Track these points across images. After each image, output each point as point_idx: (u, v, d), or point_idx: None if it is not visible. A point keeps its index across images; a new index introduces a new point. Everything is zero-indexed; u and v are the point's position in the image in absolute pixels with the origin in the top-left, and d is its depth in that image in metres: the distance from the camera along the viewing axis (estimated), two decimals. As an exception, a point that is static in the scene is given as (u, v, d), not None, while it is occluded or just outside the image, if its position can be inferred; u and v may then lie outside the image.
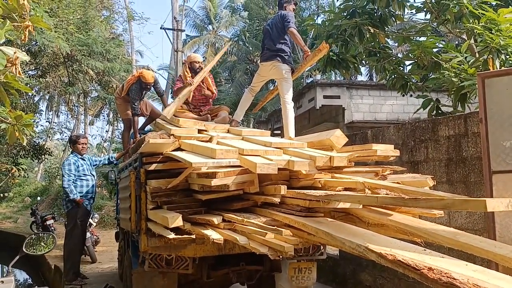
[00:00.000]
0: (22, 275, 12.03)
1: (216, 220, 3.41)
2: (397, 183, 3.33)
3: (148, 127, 7.22)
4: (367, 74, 25.98)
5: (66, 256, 6.08)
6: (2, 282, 1.68)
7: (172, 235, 3.39)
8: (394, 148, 4.06)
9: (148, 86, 6.44)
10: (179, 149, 4.08)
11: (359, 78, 22.19)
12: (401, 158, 5.24)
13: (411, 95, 8.12)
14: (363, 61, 8.20)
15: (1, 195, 20.91)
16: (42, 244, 2.54)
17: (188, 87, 5.81)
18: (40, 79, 14.61)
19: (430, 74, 7.20)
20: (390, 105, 12.45)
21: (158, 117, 6.04)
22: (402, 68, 8.12)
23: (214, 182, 3.39)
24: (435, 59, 6.50)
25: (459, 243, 2.18)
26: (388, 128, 5.92)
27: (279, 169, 3.41)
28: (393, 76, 7.53)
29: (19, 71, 2.73)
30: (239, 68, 24.56)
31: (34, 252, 2.42)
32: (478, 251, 2.07)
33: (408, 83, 7.44)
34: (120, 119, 9.20)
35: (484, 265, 2.05)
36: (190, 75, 5.99)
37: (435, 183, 3.59)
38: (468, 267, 1.92)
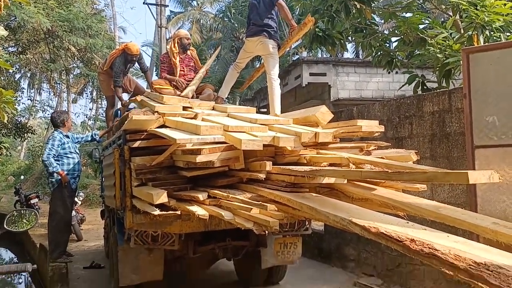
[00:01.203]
0: (7, 254, 11.97)
1: (201, 196, 3.40)
2: (381, 158, 3.35)
3: (132, 105, 7.12)
4: (353, 52, 25.94)
5: (51, 235, 6.03)
6: None
7: (157, 212, 3.38)
8: (379, 124, 4.08)
9: (134, 59, 6.34)
10: (163, 126, 4.03)
11: (346, 55, 22.15)
12: (386, 134, 5.27)
13: (396, 72, 8.15)
14: (349, 38, 8.16)
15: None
16: (24, 221, 2.50)
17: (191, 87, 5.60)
18: (21, 55, 14.26)
19: (416, 51, 7.20)
20: (376, 82, 12.47)
21: (142, 93, 5.97)
22: (388, 45, 8.11)
23: (199, 158, 3.37)
24: (421, 35, 6.50)
25: (441, 215, 2.21)
26: (374, 104, 5.94)
27: (264, 145, 3.40)
28: (379, 53, 7.52)
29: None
30: (224, 45, 24.21)
31: (16, 229, 2.38)
32: (459, 223, 2.10)
33: (394, 60, 7.44)
34: (104, 96, 9.07)
35: (466, 238, 2.09)
36: (178, 51, 5.88)
37: (419, 158, 3.63)
38: (450, 239, 1.95)
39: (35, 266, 1.95)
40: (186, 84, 5.69)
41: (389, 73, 7.95)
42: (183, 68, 5.88)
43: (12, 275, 9.18)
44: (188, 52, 6.02)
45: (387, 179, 2.67)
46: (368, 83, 12.49)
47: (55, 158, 6.00)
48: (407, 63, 7.56)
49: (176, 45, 5.88)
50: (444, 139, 4.75)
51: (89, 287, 5.97)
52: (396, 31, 7.14)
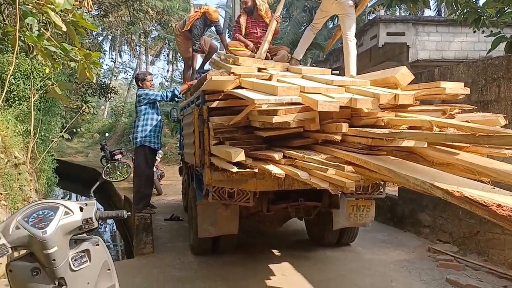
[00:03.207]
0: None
1: (277, 156, 3.46)
2: (466, 121, 3.20)
3: (207, 66, 7.30)
4: (434, 9, 24.22)
5: (137, 188, 6.42)
6: (86, 204, 1.86)
7: (235, 169, 3.49)
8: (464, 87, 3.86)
9: (213, 24, 6.53)
10: (239, 87, 4.11)
11: (426, 13, 20.80)
12: (470, 98, 4.99)
13: (483, 31, 7.55)
14: (433, -6, 7.65)
15: (73, 130, 22.33)
16: (118, 172, 2.73)
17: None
18: (104, 18, 15.00)
19: (507, 8, 6.60)
20: (459, 42, 11.65)
21: (215, 51, 6.16)
22: (475, 1, 7.50)
23: (275, 119, 3.41)
24: (515, -11, 5.94)
25: (531, 182, 2.10)
26: (457, 66, 5.61)
27: (340, 107, 3.36)
28: (465, 10, 6.98)
29: (90, 5, 2.80)
30: (297, 5, 23.60)
31: (111, 179, 2.62)
32: (552, 191, 1.99)
33: (482, 18, 6.88)
34: (181, 58, 9.33)
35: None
36: (243, 14, 5.99)
37: (507, 123, 3.41)
38: (541, 206, 1.86)
39: (129, 213, 2.14)
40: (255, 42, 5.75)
41: (475, 32, 7.36)
42: (255, 29, 5.91)
43: (104, 222, 10.07)
44: (263, 7, 5.94)
45: (474, 143, 2.53)
46: (451, 43, 11.70)
47: (142, 113, 6.20)
48: (496, 21, 6.97)
49: (242, 9, 6.01)
50: (537, 103, 4.41)
51: (170, 237, 6.42)
52: (486, -15, 6.57)
